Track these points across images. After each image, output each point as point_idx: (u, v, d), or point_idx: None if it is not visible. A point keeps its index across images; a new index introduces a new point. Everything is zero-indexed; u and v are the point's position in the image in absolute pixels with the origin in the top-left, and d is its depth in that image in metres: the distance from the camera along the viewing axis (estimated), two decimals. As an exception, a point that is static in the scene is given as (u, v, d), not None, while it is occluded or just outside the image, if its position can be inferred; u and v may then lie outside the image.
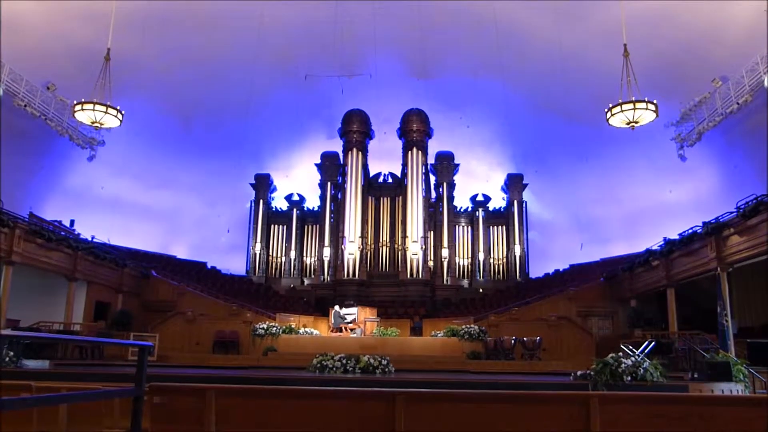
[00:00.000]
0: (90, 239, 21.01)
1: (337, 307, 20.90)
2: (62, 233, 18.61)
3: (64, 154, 25.31)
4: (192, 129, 30.42)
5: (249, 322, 18.98)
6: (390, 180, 29.95)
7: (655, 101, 14.55)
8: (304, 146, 31.21)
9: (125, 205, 27.74)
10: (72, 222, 22.65)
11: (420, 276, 27.06)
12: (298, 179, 31.40)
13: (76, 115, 15.74)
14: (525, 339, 16.99)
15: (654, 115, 14.47)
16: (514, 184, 29.92)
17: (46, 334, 13.73)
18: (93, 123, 15.57)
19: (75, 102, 15.80)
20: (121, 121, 15.90)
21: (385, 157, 29.93)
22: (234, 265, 29.42)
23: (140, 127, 27.29)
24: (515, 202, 29.63)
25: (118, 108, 15.78)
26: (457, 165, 29.67)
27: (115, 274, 20.54)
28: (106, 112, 15.38)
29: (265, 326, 18.45)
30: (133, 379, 3.70)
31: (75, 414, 5.24)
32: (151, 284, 21.97)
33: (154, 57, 25.75)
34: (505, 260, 29.42)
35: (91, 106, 15.30)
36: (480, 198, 30.20)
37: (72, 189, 25.91)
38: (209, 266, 28.56)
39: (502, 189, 30.66)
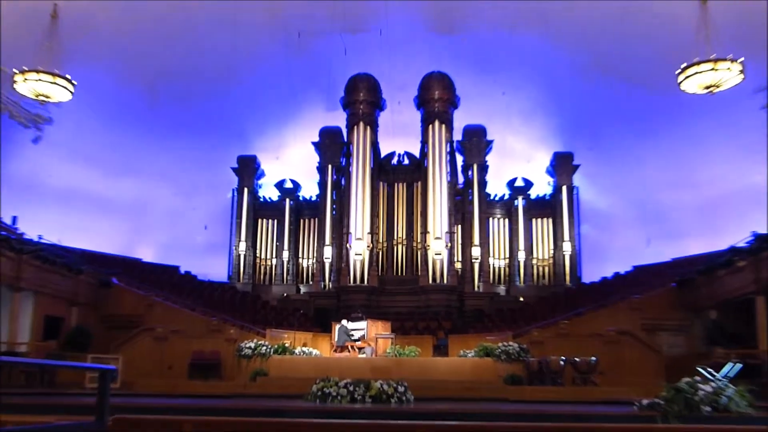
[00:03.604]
0: (37, 240, 21.21)
1: (344, 321, 20.95)
2: (2, 233, 18.83)
3: (2, 136, 25.57)
4: (159, 103, 30.64)
5: (233, 340, 19.08)
6: (406, 161, 29.96)
7: (740, 60, 14.35)
8: (298, 121, 31.29)
9: (79, 197, 28.03)
10: (14, 219, 22.87)
11: (445, 281, 27.08)
12: (291, 162, 31.50)
13: (17, 86, 15.85)
14: (577, 359, 16.91)
15: (739, 77, 14.29)
16: (561, 166, 29.80)
17: (-14, 356, 13.92)
18: (38, 96, 15.68)
19: (15, 71, 15.92)
20: (72, 93, 15.99)
21: (399, 133, 29.91)
22: (213, 269, 29.66)
23: (96, 102, 27.51)
24: (563, 187, 29.53)
25: (69, 77, 15.88)
26: (490, 142, 29.61)
27: (69, 282, 20.72)
28: (53, 83, 15.47)
29: (252, 345, 18.54)
30: (92, 410, 3.75)
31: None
32: (113, 294, 22.15)
33: (111, 14, 25.89)
34: (551, 261, 29.31)
35: (35, 75, 15.39)
36: (519, 183, 30.14)
37: (13, 178, 26.17)
38: (183, 271, 28.79)
39: (548, 172, 30.53)
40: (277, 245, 30.66)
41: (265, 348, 18.51)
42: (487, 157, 29.63)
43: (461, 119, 29.67)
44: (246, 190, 30.60)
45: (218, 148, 30.59)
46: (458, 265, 28.51)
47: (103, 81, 27.64)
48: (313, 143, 30.10)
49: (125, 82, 28.97)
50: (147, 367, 18.53)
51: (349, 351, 19.95)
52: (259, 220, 30.87)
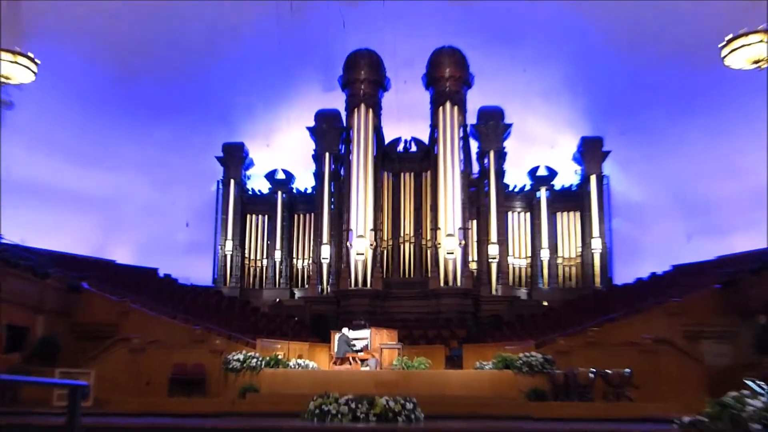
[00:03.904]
0: (-3, 240, 21.25)
1: (344, 330, 20.97)
2: (-42, 232, 18.86)
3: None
4: (134, 84, 30.65)
5: (219, 352, 19.08)
6: (414, 148, 30.00)
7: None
8: (291, 103, 31.30)
9: (44, 191, 28.08)
10: (-31, 217, 22.92)
11: (458, 284, 27.13)
12: (283, 149, 31.54)
13: (-27, 66, 15.88)
14: (608, 371, 16.89)
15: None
16: (590, 152, 29.79)
17: (-59, 371, 13.99)
18: (-3, 77, 15.70)
19: (-29, 49, 15.95)
20: (35, 73, 16.01)
21: (406, 116, 29.91)
22: (196, 271, 29.77)
23: (62, 83, 27.52)
24: (592, 177, 29.54)
25: (31, 56, 15.90)
26: (509, 126, 29.60)
27: (34, 287, 20.71)
28: (14, 62, 15.49)
29: (241, 357, 18.55)
30: (62, 432, 3.77)
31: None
32: (84, 301, 22.17)
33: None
34: (578, 260, 29.32)
35: (-7, 53, 15.42)
36: (542, 172, 30.17)
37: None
38: (162, 274, 28.80)
39: (575, 159, 30.53)
40: (268, 244, 30.69)
41: (255, 360, 18.51)
42: (506, 143, 29.63)
43: (476, 100, 29.64)
44: (232, 181, 30.65)
45: (201, 135, 30.64)
46: (473, 266, 28.52)
47: (70, 59, 27.65)
48: (309, 128, 30.11)
49: (94, 61, 29.00)
50: (122, 383, 18.53)
51: (350, 363, 19.98)
52: (248, 216, 30.91)
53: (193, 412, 15.69)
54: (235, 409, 16.35)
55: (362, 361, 20.04)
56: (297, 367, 19.43)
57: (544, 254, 29.40)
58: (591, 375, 16.79)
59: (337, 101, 30.08)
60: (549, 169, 30.23)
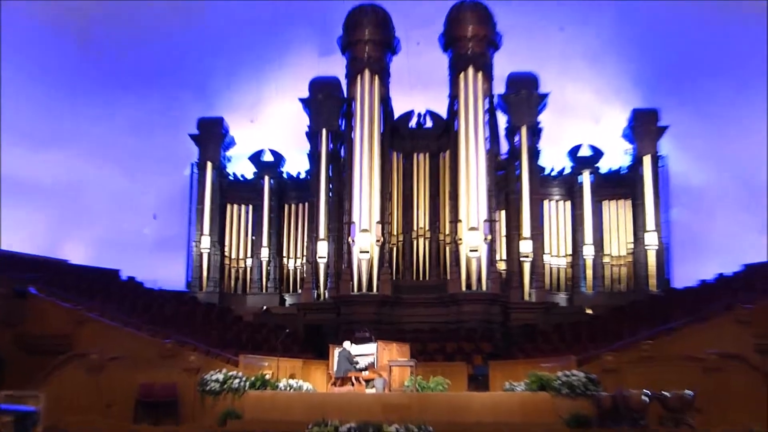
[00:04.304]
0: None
1: (346, 344, 20.83)
2: None
3: None
4: (92, 49, 30.52)
5: (194, 370, 19.02)
6: (429, 123, 29.87)
7: None
8: (281, 70, 31.12)
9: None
10: None
11: (483, 287, 27.01)
12: (271, 126, 31.47)
13: None
14: (666, 394, 16.71)
15: None
16: (643, 128, 29.61)
17: None
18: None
19: None
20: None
21: (419, 85, 29.82)
22: (166, 273, 29.80)
23: (12, 51, 27.44)
24: (646, 157, 29.39)
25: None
26: (544, 96, 29.45)
27: (-30, 293, 20.71)
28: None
29: (221, 377, 18.49)
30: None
31: None
32: (32, 308, 22.09)
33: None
34: (630, 258, 29.15)
35: None
36: (585, 152, 30.03)
37: None
38: (125, 276, 28.74)
39: (624, 136, 30.38)
40: (252, 240, 30.61)
41: (238, 381, 18.46)
42: (540, 117, 29.46)
43: (504, 65, 29.47)
44: (209, 164, 30.56)
45: (172, 109, 30.60)
46: (501, 266, 28.38)
47: (22, 24, 27.56)
48: (302, 100, 29.97)
49: (50, 25, 28.90)
50: (79, 407, 18.51)
51: (352, 384, 19.83)
52: (228, 206, 30.83)
53: (162, 442, 15.64)
54: (213, 440, 16.30)
55: (367, 381, 19.89)
56: (288, 388, 19.34)
57: (588, 251, 29.22)
58: (645, 398, 16.62)
59: (337, 67, 29.94)
60: (593, 148, 30.04)
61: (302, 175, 30.92)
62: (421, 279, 28.42)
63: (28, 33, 28.40)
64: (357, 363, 20.23)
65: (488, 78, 28.85)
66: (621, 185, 29.87)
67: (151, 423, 18.06)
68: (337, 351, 20.64)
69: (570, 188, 29.95)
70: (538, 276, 28.42)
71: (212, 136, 30.89)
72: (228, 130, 31.32)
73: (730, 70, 29.01)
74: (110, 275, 28.48)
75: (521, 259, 28.36)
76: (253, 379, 18.81)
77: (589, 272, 29.19)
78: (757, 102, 28.25)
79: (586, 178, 29.69)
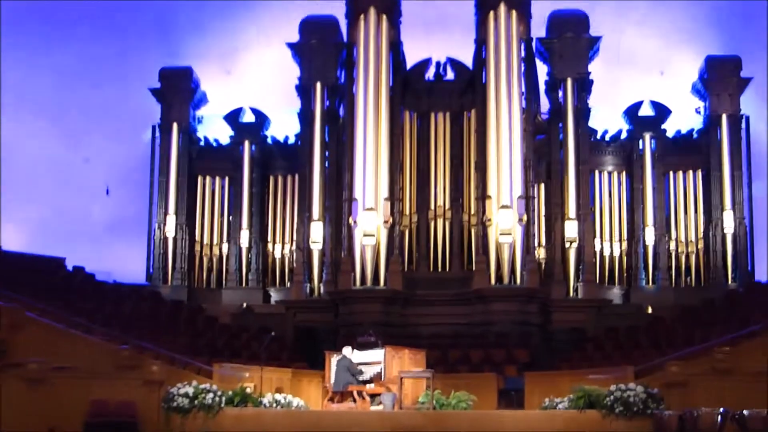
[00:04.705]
0: None
1: (346, 351, 20.85)
2: None
3: None
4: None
5: (158, 383, 19.10)
6: (451, 75, 29.92)
7: None
8: (264, 7, 31.02)
9: None
10: None
11: (517, 281, 27.10)
12: (252, 78, 31.35)
13: None
14: (744, 413, 16.72)
15: None
16: (720, 80, 29.55)
17: None
18: None
19: None
20: None
21: (436, 29, 29.84)
22: (122, 263, 29.91)
23: None
24: (724, 117, 29.21)
25: None
26: (596, 40, 29.49)
27: None
28: None
29: (190, 391, 18.52)
30: None
31: None
32: (-46, 307, 22.20)
33: None
34: (702, 244, 29.01)
35: None
36: (647, 111, 30.03)
37: None
38: (71, 267, 28.83)
39: (696, 91, 30.37)
40: (229, 221, 30.67)
41: (211, 396, 18.50)
42: (591, 67, 29.42)
43: (544, 2, 29.50)
44: (175, 126, 30.60)
45: (128, 56, 30.45)
46: (541, 254, 28.38)
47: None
48: (290, 45, 30.01)
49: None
50: (14, 428, 18.56)
51: (354, 400, 19.91)
52: (200, 179, 30.88)
53: (118, 473, 15.68)
54: (181, 470, 16.36)
55: (372, 396, 19.95)
56: (275, 405, 19.38)
57: (650, 235, 29.23)
58: (719, 417, 16.62)
59: (335, 4, 29.92)
60: (656, 105, 30.00)
61: (291, 140, 30.97)
62: (439, 270, 28.52)
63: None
64: (360, 374, 20.29)
65: (525, 18, 28.81)
66: (691, 152, 29.92)
67: (103, 448, 18.13)
68: (334, 359, 20.70)
69: (627, 156, 29.95)
70: (587, 266, 28.44)
71: (178, 91, 30.88)
72: (198, 83, 31.35)
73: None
74: (54, 265, 28.58)
75: (565, 245, 28.39)
76: (230, 393, 18.86)
77: (651, 262, 29.13)
78: None
79: (647, 143, 29.66)
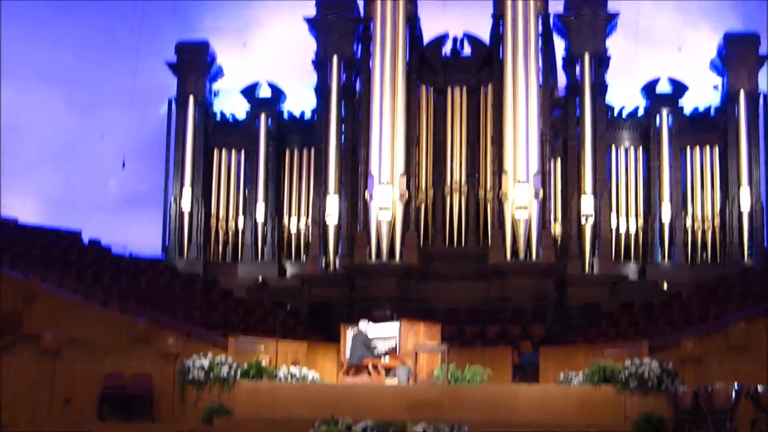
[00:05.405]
0: None
1: (361, 325, 20.95)
2: None
3: None
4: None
5: (173, 356, 19.19)
6: (468, 50, 29.85)
7: None
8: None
9: None
10: None
11: (533, 257, 27.14)
12: (269, 52, 31.31)
13: None
14: (759, 389, 16.74)
15: None
16: (738, 57, 29.42)
17: None
18: None
19: None
20: None
21: (453, 4, 29.66)
22: (138, 236, 29.93)
23: None
24: (742, 93, 29.11)
25: None
26: (613, 16, 29.38)
27: None
28: None
29: (206, 363, 18.60)
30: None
31: None
32: (-30, 279, 22.34)
33: None
34: (718, 221, 28.94)
35: None
36: (664, 87, 29.91)
37: None
38: (87, 240, 28.96)
39: (714, 67, 30.21)
40: (245, 195, 30.69)
41: (227, 368, 18.56)
42: (608, 43, 29.34)
43: (563, -24, 29.18)
44: (191, 100, 30.62)
45: (145, 30, 30.43)
46: (557, 229, 28.36)
47: None
48: (307, 20, 29.96)
49: None
50: (29, 401, 18.71)
51: (369, 374, 19.94)
52: (216, 153, 30.87)
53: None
54: (196, 442, 16.49)
55: (387, 370, 20.03)
56: (290, 378, 19.50)
57: (666, 212, 29.16)
58: (734, 394, 16.65)
59: (350, -23, 29.78)
60: (674, 82, 29.87)
61: (307, 115, 30.93)
62: (455, 245, 28.51)
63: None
64: (375, 348, 20.32)
65: (542, -8, 28.73)
66: (709, 129, 29.76)
67: (119, 421, 18.25)
68: (350, 333, 20.75)
69: (644, 132, 29.84)
70: (603, 242, 28.41)
71: (195, 65, 30.87)
72: (215, 57, 31.31)
73: None
74: (70, 238, 28.66)
75: (582, 220, 28.38)
76: (245, 366, 18.90)
77: (667, 238, 29.11)
78: None
79: (664, 119, 29.53)
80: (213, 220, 30.59)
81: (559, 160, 28.97)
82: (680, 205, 29.36)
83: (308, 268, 29.21)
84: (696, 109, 30.11)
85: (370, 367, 20.05)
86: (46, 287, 21.92)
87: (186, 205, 30.03)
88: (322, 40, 29.85)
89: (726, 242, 28.87)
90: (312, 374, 20.37)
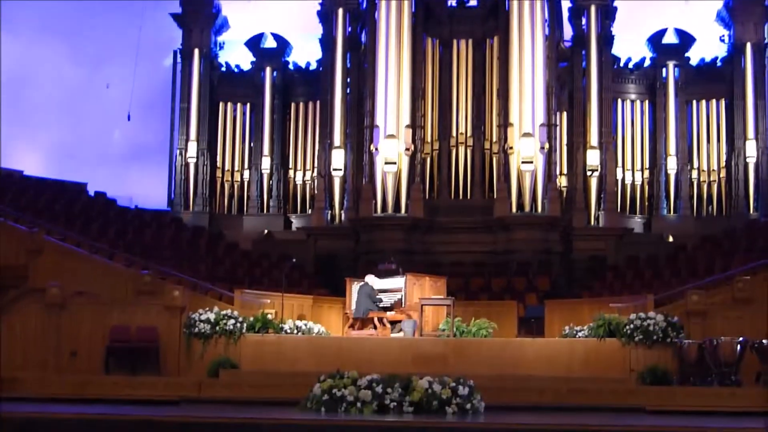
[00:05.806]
0: None
1: (368, 278, 20.99)
2: None
3: None
4: None
5: (179, 309, 19.20)
6: (473, 1, 29.71)
7: None
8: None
9: None
10: None
11: (539, 209, 27.07)
12: (273, 3, 31.12)
13: None
14: (764, 342, 16.79)
15: None
16: (745, 7, 29.20)
17: None
18: None
19: None
20: None
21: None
22: (143, 188, 29.96)
23: None
24: (747, 45, 29.00)
25: None
26: (620, -35, 28.92)
27: None
28: None
29: (212, 317, 18.66)
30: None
31: None
32: (-25, 231, 22.36)
33: None
34: (724, 174, 28.87)
35: None
36: (670, 39, 29.73)
37: None
38: (92, 192, 28.95)
39: (721, 18, 30.04)
40: (251, 148, 30.67)
41: (233, 322, 18.62)
42: (614, -6, 29.09)
43: None
44: (197, 52, 30.48)
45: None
46: (562, 182, 28.30)
47: None
48: (312, -30, 29.70)
49: None
50: (34, 353, 18.79)
51: (375, 327, 20.06)
52: (221, 105, 30.81)
53: (140, 397, 15.88)
54: (202, 394, 16.54)
55: (393, 323, 20.11)
56: (295, 331, 19.57)
57: (672, 164, 29.11)
58: (738, 347, 16.71)
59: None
60: (680, 33, 29.70)
61: (313, 66, 30.78)
62: (461, 198, 28.47)
63: None
64: (380, 301, 20.43)
65: (549, -57, 28.47)
66: (715, 81, 29.62)
67: (125, 374, 18.32)
68: (355, 286, 20.84)
69: (650, 84, 29.70)
70: (609, 195, 28.42)
71: (200, 16, 30.73)
72: (220, 8, 31.16)
73: None
74: (75, 190, 28.64)
75: (587, 173, 28.36)
76: (251, 319, 18.98)
77: (673, 191, 29.07)
78: None
79: (670, 71, 29.37)
80: (218, 173, 30.59)
81: (564, 112, 28.90)
82: (686, 157, 29.30)
83: (314, 220, 29.25)
84: (702, 61, 29.99)
85: (375, 320, 20.15)
86: (50, 239, 21.94)
87: (191, 157, 29.99)
88: (326, -9, 29.74)
89: (732, 195, 28.85)
90: (318, 328, 20.43)
